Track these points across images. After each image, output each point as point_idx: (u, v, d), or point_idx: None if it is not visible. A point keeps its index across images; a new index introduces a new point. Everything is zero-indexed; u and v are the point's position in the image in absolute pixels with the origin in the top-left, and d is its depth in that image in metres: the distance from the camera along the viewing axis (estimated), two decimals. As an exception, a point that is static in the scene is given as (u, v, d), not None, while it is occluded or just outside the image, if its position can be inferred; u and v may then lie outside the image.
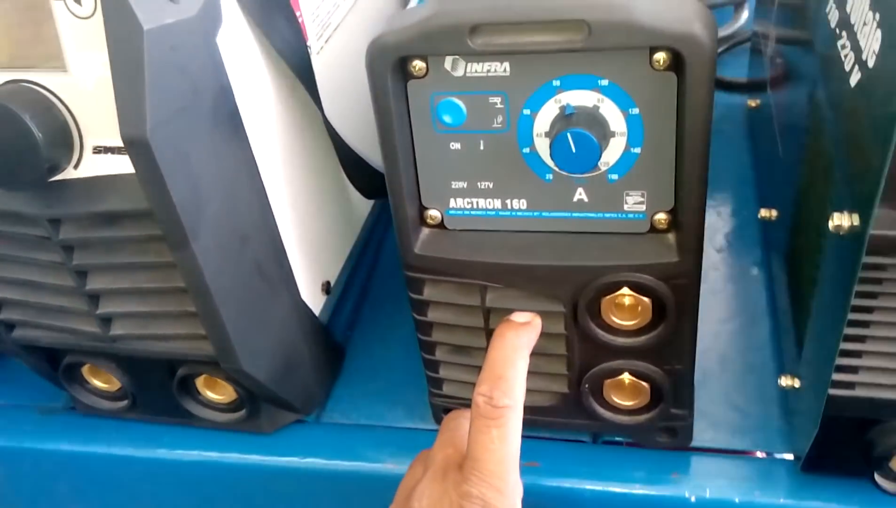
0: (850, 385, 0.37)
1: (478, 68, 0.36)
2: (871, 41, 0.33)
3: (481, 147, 0.38)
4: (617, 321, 0.41)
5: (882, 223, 0.31)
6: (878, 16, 0.33)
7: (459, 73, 0.36)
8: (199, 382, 0.48)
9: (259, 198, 0.42)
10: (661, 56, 0.34)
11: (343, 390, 0.53)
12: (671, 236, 0.38)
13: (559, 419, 0.46)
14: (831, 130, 0.39)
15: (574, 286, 0.40)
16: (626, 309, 0.40)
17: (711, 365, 0.51)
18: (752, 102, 0.68)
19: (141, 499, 0.52)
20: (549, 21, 0.33)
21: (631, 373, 0.43)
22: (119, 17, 0.32)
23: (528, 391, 0.44)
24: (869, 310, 0.35)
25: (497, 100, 0.36)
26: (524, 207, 0.39)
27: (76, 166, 0.38)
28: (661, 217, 0.38)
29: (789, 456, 0.45)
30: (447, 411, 0.47)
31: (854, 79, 0.35)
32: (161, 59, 0.33)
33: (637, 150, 0.37)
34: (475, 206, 0.40)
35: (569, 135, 0.34)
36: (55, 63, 0.36)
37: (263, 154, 0.42)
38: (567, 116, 0.36)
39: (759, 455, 0.46)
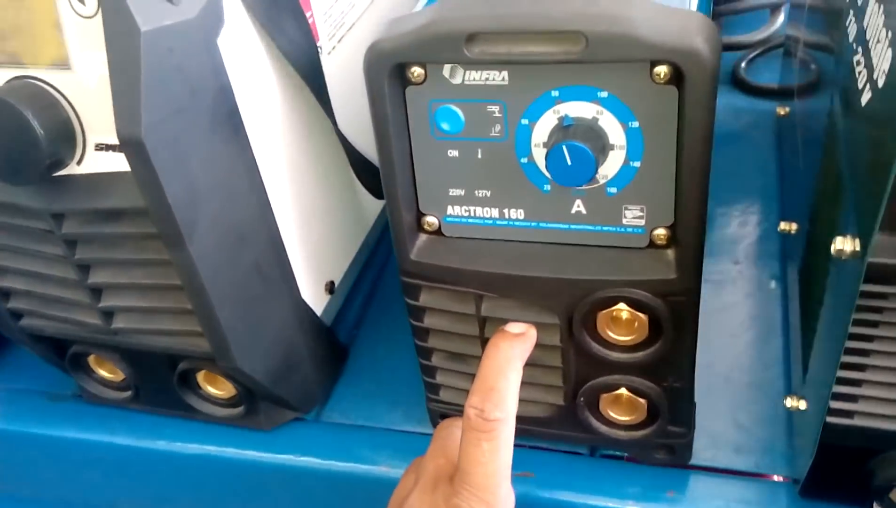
0: (849, 414, 0.36)
1: (476, 76, 0.35)
2: (882, 60, 0.32)
3: (479, 155, 0.37)
4: (613, 335, 0.40)
5: (882, 251, 0.30)
6: (890, 33, 0.32)
7: (457, 80, 0.36)
8: (200, 377, 0.49)
9: (259, 199, 0.42)
10: (661, 70, 0.33)
11: (345, 389, 0.53)
12: (670, 253, 0.37)
13: (555, 431, 0.45)
14: (843, 149, 0.37)
15: (569, 299, 0.39)
16: (622, 324, 0.40)
17: (717, 381, 0.49)
18: (781, 110, 0.67)
19: (141, 488, 0.53)
20: (546, 31, 0.33)
21: (627, 388, 0.42)
22: (117, 18, 0.33)
23: (524, 401, 0.44)
24: (869, 339, 0.34)
25: (495, 108, 0.36)
26: (522, 217, 0.39)
27: (79, 163, 0.39)
28: (661, 233, 0.37)
29: (790, 480, 0.44)
30: (444, 416, 0.47)
31: (865, 98, 0.34)
32: (158, 61, 0.34)
33: (637, 164, 0.36)
34: (473, 214, 0.39)
35: (564, 147, 0.34)
36: (59, 61, 0.36)
37: (265, 155, 0.42)
38: (565, 128, 0.35)
39: (761, 477, 0.45)
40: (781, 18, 0.75)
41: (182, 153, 0.36)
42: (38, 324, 0.47)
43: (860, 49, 0.36)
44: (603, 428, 0.44)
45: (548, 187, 0.38)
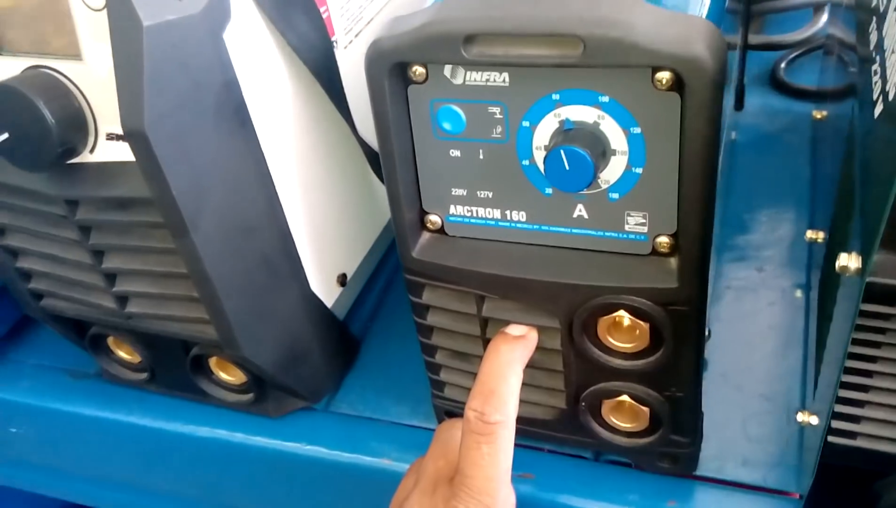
0: (852, 435, 0.35)
1: (477, 77, 0.35)
2: (894, 73, 0.31)
3: (481, 156, 0.37)
4: (614, 342, 0.39)
5: (882, 270, 0.29)
6: (905, 44, 0.31)
7: (459, 80, 0.35)
8: (212, 362, 0.50)
9: (266, 191, 0.42)
10: (663, 76, 0.32)
11: (355, 381, 0.53)
12: (673, 261, 0.37)
13: (558, 434, 0.45)
14: (857, 161, 0.36)
15: (569, 304, 0.38)
16: (624, 331, 0.39)
17: (730, 391, 0.48)
18: (818, 114, 0.65)
19: (154, 467, 0.54)
20: (542, 35, 0.32)
21: (629, 396, 0.41)
22: (121, 13, 0.33)
23: (527, 402, 0.43)
24: (872, 359, 0.33)
25: (496, 110, 0.36)
26: (523, 219, 0.38)
27: (92, 151, 0.40)
28: (663, 240, 0.36)
29: (796, 496, 0.43)
30: (449, 413, 0.47)
31: (878, 110, 0.33)
32: (161, 55, 0.34)
33: (639, 170, 0.35)
34: (475, 214, 0.39)
35: (562, 152, 0.33)
36: (72, 52, 0.37)
37: (274, 149, 0.42)
38: (566, 131, 0.35)
39: (768, 491, 0.44)
40: (825, 18, 0.72)
41: (186, 146, 0.37)
42: (57, 305, 0.48)
43: (878, 58, 0.35)
44: (605, 434, 0.44)
45: (549, 191, 0.37)
